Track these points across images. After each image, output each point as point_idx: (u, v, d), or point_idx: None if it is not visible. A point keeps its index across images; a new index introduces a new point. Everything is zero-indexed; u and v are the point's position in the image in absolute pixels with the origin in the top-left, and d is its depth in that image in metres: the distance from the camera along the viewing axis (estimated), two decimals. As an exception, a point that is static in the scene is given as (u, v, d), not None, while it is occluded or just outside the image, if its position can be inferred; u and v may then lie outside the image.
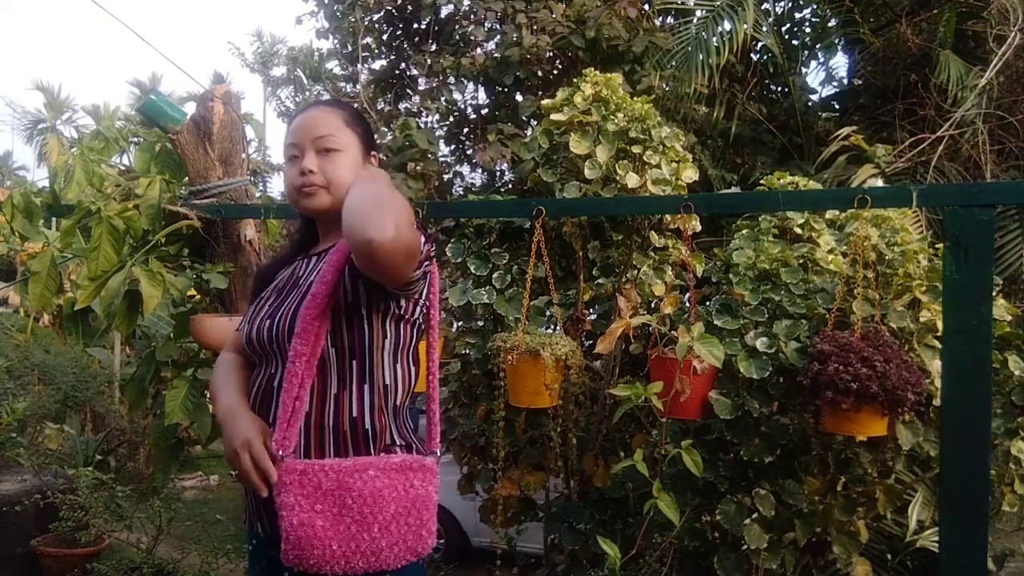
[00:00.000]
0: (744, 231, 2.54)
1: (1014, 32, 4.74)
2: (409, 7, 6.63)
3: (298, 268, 1.53)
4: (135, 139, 3.11)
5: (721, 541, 2.25)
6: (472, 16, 6.13)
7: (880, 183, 3.81)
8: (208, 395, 1.55)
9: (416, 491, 1.35)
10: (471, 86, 6.54)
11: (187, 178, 2.68)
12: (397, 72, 6.98)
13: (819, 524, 2.17)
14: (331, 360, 1.36)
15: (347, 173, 1.48)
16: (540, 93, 5.76)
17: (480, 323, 2.64)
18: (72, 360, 4.94)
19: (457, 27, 6.23)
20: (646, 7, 6.01)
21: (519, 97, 6.23)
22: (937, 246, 2.10)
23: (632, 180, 2.35)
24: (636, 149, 2.37)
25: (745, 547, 2.16)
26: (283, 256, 1.63)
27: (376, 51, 7.07)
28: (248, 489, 1.37)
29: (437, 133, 6.59)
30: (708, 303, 2.31)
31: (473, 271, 2.53)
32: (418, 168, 5.11)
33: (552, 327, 2.52)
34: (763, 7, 6.27)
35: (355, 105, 6.40)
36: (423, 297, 1.44)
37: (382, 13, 6.74)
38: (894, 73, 5.71)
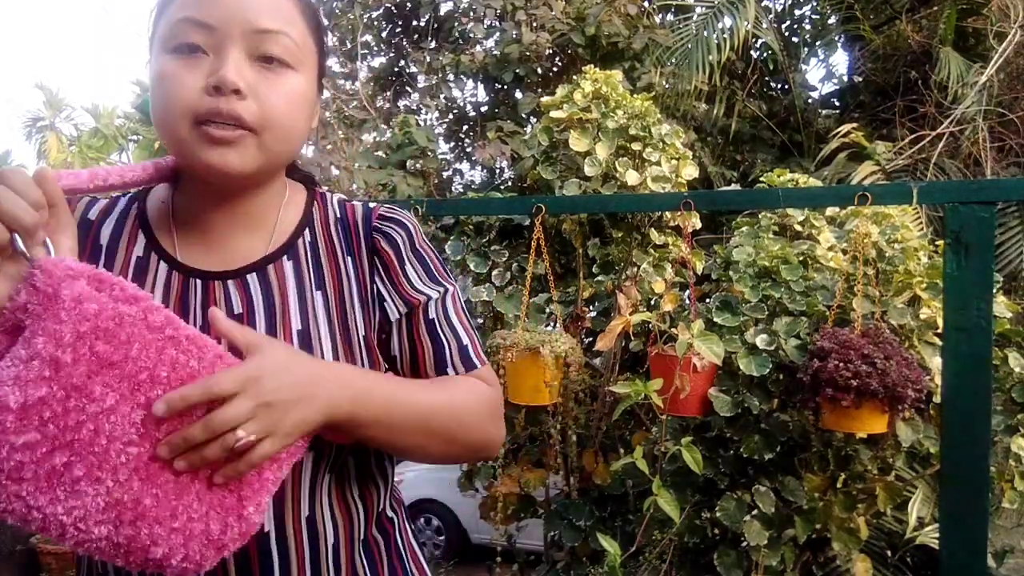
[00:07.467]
0: (744, 228, 2.54)
1: (1014, 29, 4.74)
2: (408, 4, 6.63)
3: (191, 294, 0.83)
4: (134, 137, 3.11)
5: (721, 538, 2.25)
6: (471, 13, 6.13)
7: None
8: None
9: None
10: (471, 83, 6.55)
11: (186, 175, 2.67)
12: (396, 69, 6.98)
13: (819, 521, 2.17)
14: None
15: (295, 113, 0.82)
16: (540, 90, 5.77)
17: (480, 320, 2.64)
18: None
19: (456, 24, 6.23)
20: (646, 4, 6.01)
21: (519, 94, 6.23)
22: (937, 243, 2.10)
23: (632, 177, 2.34)
24: (636, 146, 2.37)
25: (745, 544, 2.16)
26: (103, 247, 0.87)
27: (375, 48, 7.08)
28: None
29: (436, 130, 6.59)
30: (708, 300, 2.31)
31: (472, 268, 2.53)
32: (418, 165, 5.11)
33: (552, 324, 2.52)
34: (763, 4, 6.26)
35: (353, 103, 6.41)
36: None
37: (381, 10, 6.74)
38: (894, 70, 5.71)
